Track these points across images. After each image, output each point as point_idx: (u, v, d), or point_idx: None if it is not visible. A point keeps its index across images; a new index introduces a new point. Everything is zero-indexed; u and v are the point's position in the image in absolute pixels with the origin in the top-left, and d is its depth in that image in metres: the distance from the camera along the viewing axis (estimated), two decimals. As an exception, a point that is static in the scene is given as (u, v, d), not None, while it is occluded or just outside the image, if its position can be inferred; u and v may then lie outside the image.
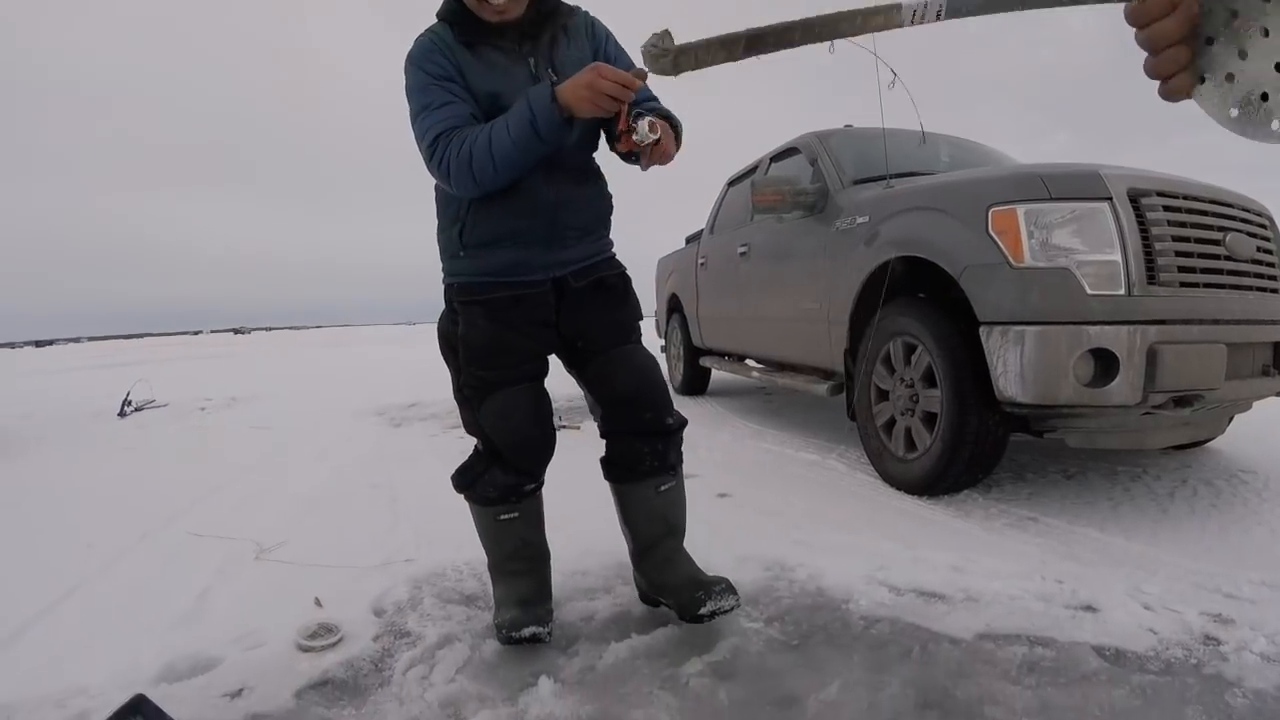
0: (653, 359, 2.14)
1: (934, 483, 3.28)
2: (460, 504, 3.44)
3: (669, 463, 2.13)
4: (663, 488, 2.13)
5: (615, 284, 2.14)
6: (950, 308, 3.27)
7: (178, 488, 3.95)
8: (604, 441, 2.17)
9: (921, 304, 3.45)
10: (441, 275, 2.10)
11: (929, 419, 3.31)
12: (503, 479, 2.07)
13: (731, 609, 1.98)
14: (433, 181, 1.98)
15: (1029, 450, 4.21)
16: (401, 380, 9.85)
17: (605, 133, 2.03)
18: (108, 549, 2.92)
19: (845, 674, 1.92)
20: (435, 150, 1.83)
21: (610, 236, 2.18)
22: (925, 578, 2.45)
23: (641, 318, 2.21)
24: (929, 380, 3.32)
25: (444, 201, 2.03)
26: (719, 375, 7.60)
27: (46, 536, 3.12)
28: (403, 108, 1.93)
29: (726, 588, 1.99)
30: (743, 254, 5.59)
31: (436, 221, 2.07)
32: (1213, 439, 3.94)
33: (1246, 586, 2.30)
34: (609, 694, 1.84)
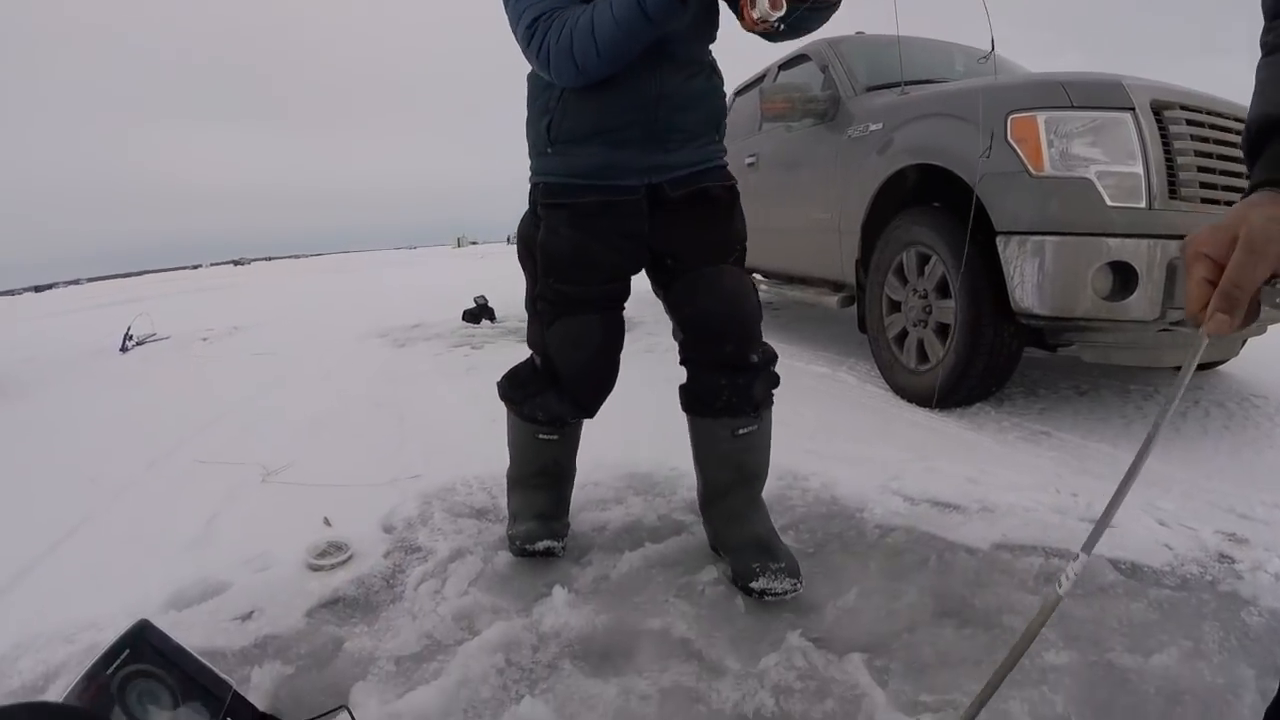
0: (747, 283, 1.87)
1: (946, 395, 3.24)
2: (466, 420, 3.44)
3: (752, 402, 1.87)
4: (740, 431, 1.89)
5: (720, 198, 1.88)
6: (966, 217, 3.17)
7: (182, 417, 3.89)
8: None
9: (936, 213, 3.36)
10: (529, 174, 1.90)
11: (942, 330, 3.26)
12: (555, 406, 1.93)
13: (785, 595, 1.78)
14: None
15: (1040, 366, 4.16)
16: (404, 302, 9.77)
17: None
18: (113, 481, 2.88)
19: (862, 581, 1.90)
20: (533, 35, 1.65)
21: (722, 143, 1.94)
22: (939, 488, 2.43)
23: (744, 239, 1.95)
24: (943, 291, 3.26)
25: (534, 91, 1.83)
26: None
27: (51, 473, 3.07)
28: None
29: (788, 569, 1.81)
30: (750, 165, 5.45)
31: (526, 113, 1.87)
32: (1226, 361, 3.89)
33: (1260, 508, 2.29)
34: (624, 603, 1.83)
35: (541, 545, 1.95)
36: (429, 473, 2.72)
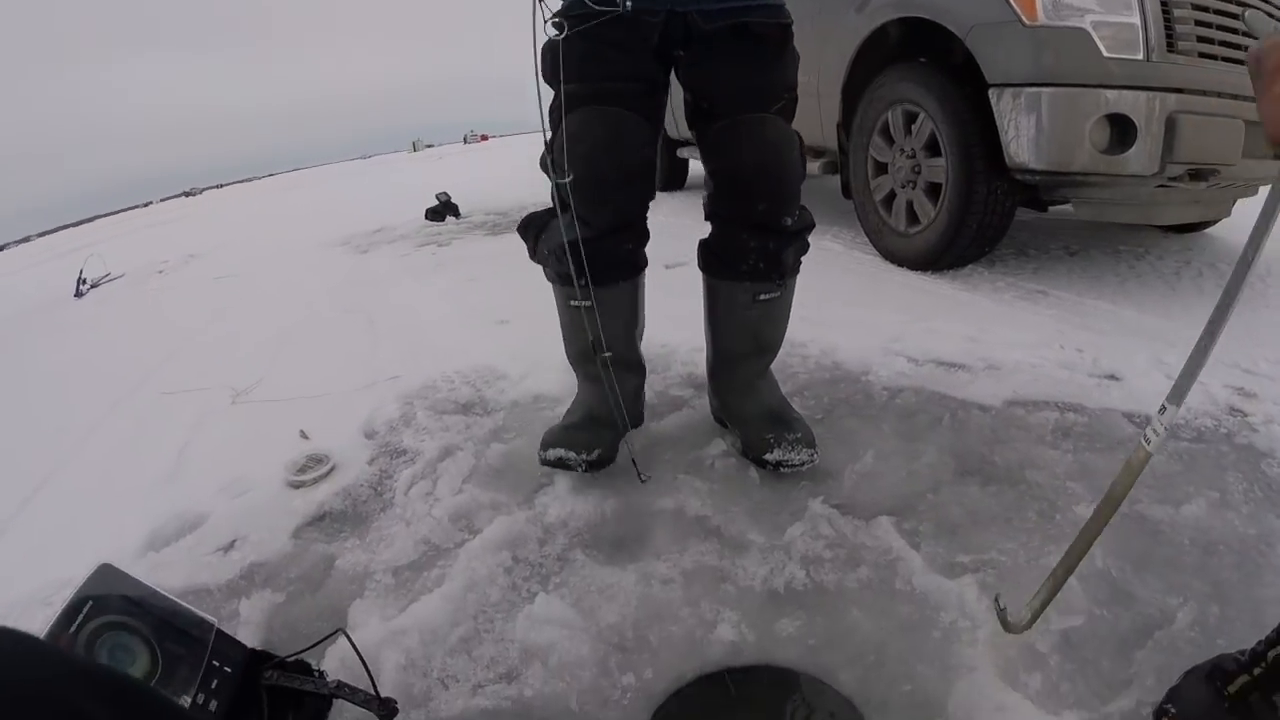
0: (790, 136, 1.66)
1: (938, 256, 3.14)
2: (440, 317, 3.29)
3: (781, 268, 1.71)
4: (763, 296, 1.73)
5: (767, 35, 1.61)
6: (954, 71, 3.02)
7: (144, 351, 3.67)
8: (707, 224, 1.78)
9: (923, 68, 3.18)
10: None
11: (933, 190, 3.12)
12: (558, 234, 1.58)
13: (802, 465, 1.69)
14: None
15: (1028, 228, 4.07)
16: (364, 209, 9.43)
17: None
18: (78, 428, 2.68)
19: (877, 444, 1.82)
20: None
21: None
22: (942, 348, 2.35)
23: (794, 85, 1.70)
24: (932, 149, 3.11)
25: None
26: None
27: (14, 430, 2.88)
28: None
29: (804, 439, 1.70)
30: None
31: None
32: (1217, 222, 3.80)
33: (1263, 364, 2.25)
34: (631, 485, 1.72)
35: (551, 455, 1.71)
36: (407, 373, 2.58)
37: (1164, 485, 1.65)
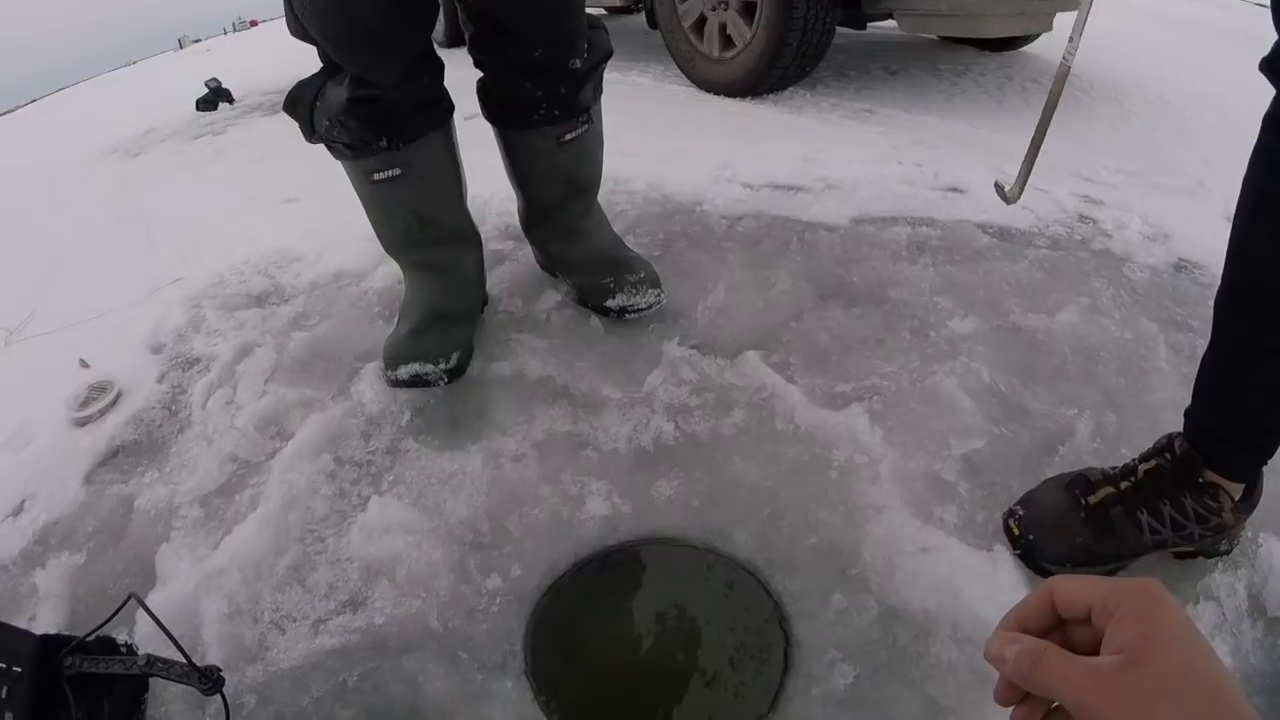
0: None
1: (757, 80, 2.95)
2: (222, 206, 2.90)
3: (578, 105, 1.43)
4: (567, 137, 1.45)
5: None
6: None
7: None
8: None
9: None
10: None
11: (747, 10, 2.88)
12: (338, 97, 1.25)
13: (649, 308, 1.53)
14: None
15: (843, 50, 3.94)
16: (130, 115, 8.44)
17: None
18: None
19: (725, 276, 1.68)
20: None
21: None
22: (776, 171, 2.20)
23: None
24: (743, -35, 2.87)
25: None
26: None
27: None
28: None
29: (647, 279, 1.53)
30: None
31: None
32: (1037, 37, 3.79)
33: (1104, 172, 2.24)
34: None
35: (404, 373, 1.42)
36: (191, 272, 2.22)
37: (1031, 294, 1.61)
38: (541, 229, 1.62)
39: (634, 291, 1.51)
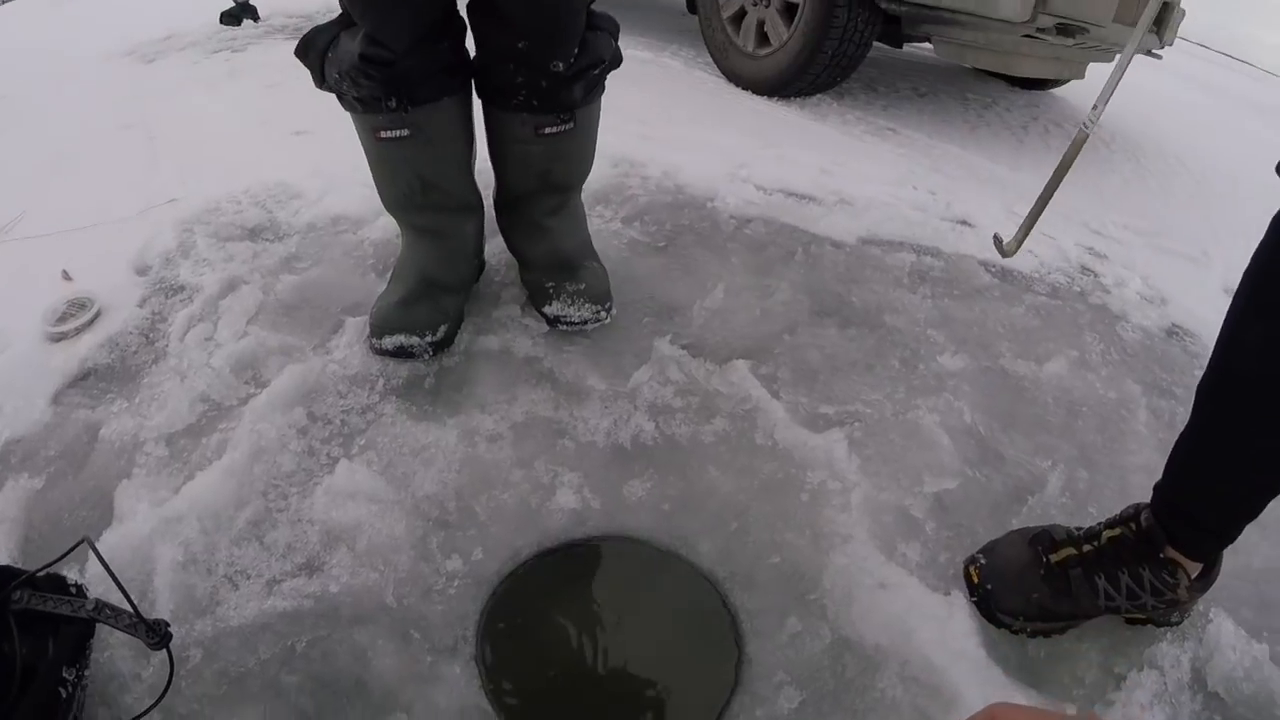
0: None
1: (788, 82, 2.92)
2: (230, 129, 2.85)
3: (559, 103, 1.34)
4: (547, 130, 1.37)
5: None
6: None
7: None
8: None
9: None
10: None
11: (788, 10, 2.86)
12: (350, 51, 1.20)
13: (584, 324, 1.46)
14: None
15: (876, 65, 3.92)
16: (152, 15, 8.30)
17: None
18: None
19: (727, 278, 1.66)
20: None
21: None
22: (792, 177, 2.17)
23: None
24: (789, -37, 2.84)
25: None
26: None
27: None
28: None
29: (588, 291, 1.46)
30: None
31: None
32: (1068, 82, 3.79)
33: (1112, 227, 2.25)
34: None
35: (389, 343, 1.38)
36: (188, 194, 2.17)
37: (1024, 340, 1.61)
38: (507, 216, 1.56)
39: (569, 302, 1.44)
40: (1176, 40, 3.20)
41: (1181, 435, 0.98)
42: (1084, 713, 0.41)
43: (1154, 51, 3.15)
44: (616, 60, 1.36)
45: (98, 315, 1.57)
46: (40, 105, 4.16)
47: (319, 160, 2.20)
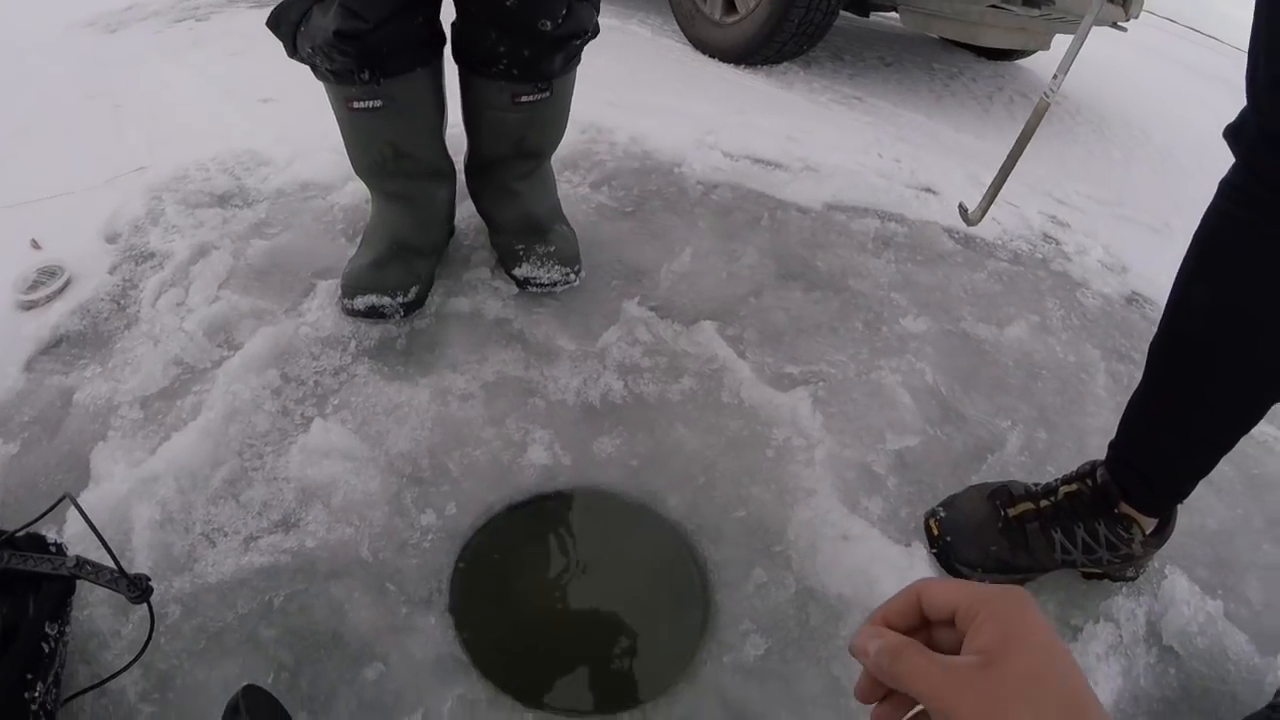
0: None
1: (754, 50, 2.92)
2: (195, 97, 2.81)
3: (539, 72, 1.35)
4: (524, 99, 1.38)
5: None
6: None
7: None
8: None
9: None
10: None
11: (755, -24, 2.87)
12: (324, 25, 1.19)
13: (554, 286, 1.47)
14: None
15: (842, 34, 3.92)
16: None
17: None
18: None
19: (694, 242, 1.69)
20: None
21: None
22: (758, 144, 2.19)
23: None
24: (757, -70, 2.83)
25: None
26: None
27: None
28: None
29: (558, 254, 1.48)
30: None
31: None
32: (1033, 53, 3.82)
33: (1075, 196, 2.29)
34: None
35: (360, 303, 1.38)
36: (155, 162, 2.14)
37: (985, 304, 1.65)
38: (478, 180, 1.56)
39: (539, 264, 1.46)
40: (1143, 14, 3.23)
41: (1134, 394, 1.02)
42: (1008, 586, 0.43)
43: (1119, 24, 3.18)
44: (595, 30, 1.36)
45: (68, 283, 1.56)
46: (1, 76, 4.08)
47: (286, 127, 2.19)
